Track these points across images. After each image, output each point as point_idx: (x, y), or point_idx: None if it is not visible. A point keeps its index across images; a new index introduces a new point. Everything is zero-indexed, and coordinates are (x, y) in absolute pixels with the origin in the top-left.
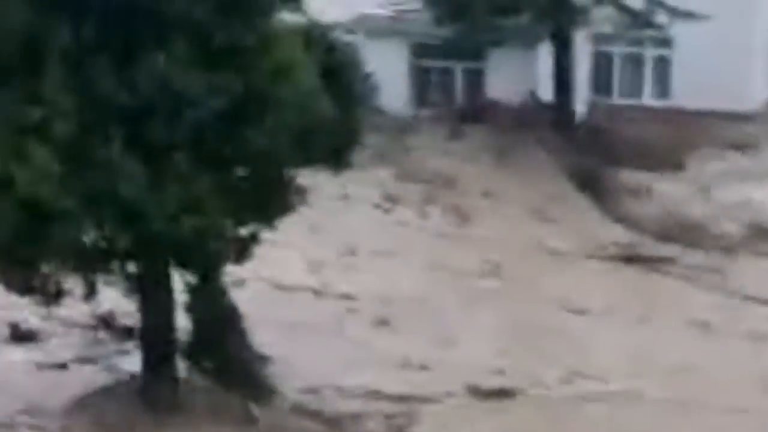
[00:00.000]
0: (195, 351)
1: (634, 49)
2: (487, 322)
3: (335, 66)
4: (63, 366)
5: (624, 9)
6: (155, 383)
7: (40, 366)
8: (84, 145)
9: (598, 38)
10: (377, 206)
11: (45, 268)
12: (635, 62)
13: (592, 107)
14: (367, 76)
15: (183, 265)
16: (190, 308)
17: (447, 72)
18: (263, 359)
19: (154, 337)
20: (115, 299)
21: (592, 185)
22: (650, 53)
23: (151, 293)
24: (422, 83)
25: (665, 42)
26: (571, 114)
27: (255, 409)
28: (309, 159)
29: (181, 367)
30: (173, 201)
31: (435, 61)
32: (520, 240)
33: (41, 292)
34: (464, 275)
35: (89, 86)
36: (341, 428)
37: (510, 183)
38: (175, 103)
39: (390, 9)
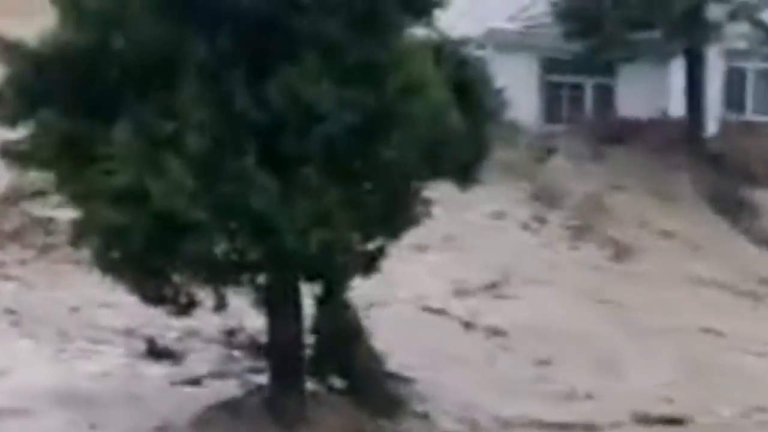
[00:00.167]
0: (320, 365)
1: None
2: (656, 358)
3: (465, 81)
4: (197, 382)
5: (759, 24)
6: (283, 396)
7: (174, 382)
8: (217, 158)
9: (731, 54)
10: (525, 227)
11: (176, 279)
12: None
13: (725, 124)
14: (499, 91)
15: (311, 278)
16: (315, 321)
17: (577, 87)
18: (399, 379)
19: (283, 350)
20: (243, 313)
21: (733, 209)
22: None
23: (280, 306)
24: (552, 98)
25: None
26: (702, 131)
27: (388, 426)
28: (437, 172)
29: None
30: (304, 215)
31: (565, 77)
32: (677, 273)
33: (173, 302)
34: (627, 309)
35: (223, 100)
36: None
37: (659, 211)
38: (306, 117)
39: (520, 24)
